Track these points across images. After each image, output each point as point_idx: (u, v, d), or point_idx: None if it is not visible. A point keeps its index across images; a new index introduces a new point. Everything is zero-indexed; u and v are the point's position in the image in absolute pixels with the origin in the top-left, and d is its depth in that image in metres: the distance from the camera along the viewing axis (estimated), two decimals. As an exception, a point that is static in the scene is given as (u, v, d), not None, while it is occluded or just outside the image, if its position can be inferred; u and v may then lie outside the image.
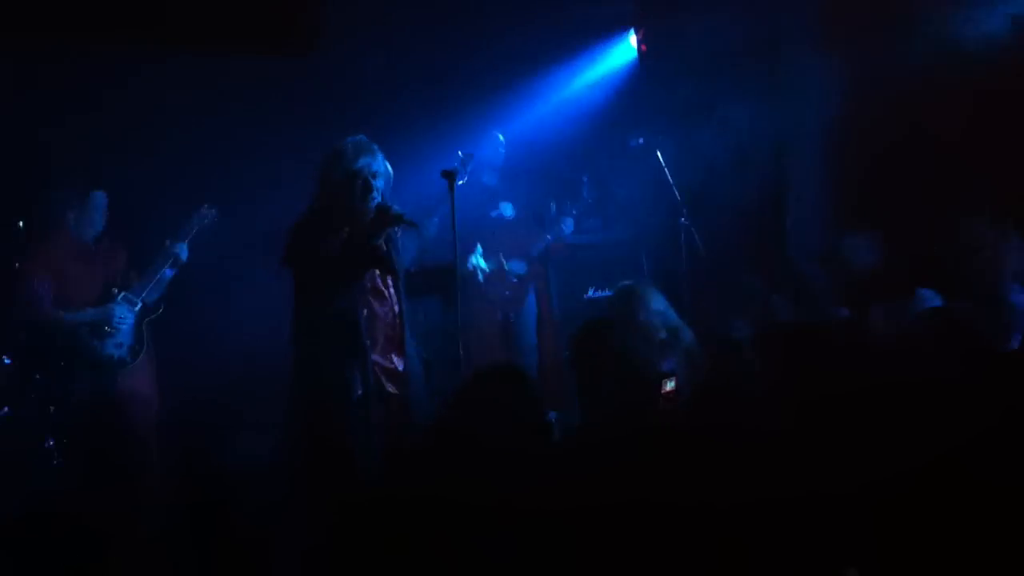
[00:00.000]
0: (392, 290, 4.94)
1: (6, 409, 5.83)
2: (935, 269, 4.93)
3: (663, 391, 4.07)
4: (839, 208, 7.08)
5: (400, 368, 4.92)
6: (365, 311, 4.78)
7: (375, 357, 4.80)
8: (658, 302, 5.06)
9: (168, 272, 6.05)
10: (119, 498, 5.61)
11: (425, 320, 7.01)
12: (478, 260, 6.83)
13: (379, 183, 4.80)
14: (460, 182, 5.42)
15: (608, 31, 7.94)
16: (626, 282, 5.34)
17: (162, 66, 6.35)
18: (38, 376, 5.92)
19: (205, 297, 6.51)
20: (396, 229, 4.90)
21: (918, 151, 6.25)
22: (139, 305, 6.00)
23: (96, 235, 6.05)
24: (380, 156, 4.84)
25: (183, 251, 6.04)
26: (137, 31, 4.55)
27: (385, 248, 4.85)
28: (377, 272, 4.91)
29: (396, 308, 4.93)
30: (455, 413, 4.04)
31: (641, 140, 7.26)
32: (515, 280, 6.95)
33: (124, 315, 5.93)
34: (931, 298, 4.78)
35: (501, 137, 7.11)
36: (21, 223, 6.19)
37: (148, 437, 5.99)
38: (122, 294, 5.97)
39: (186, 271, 6.17)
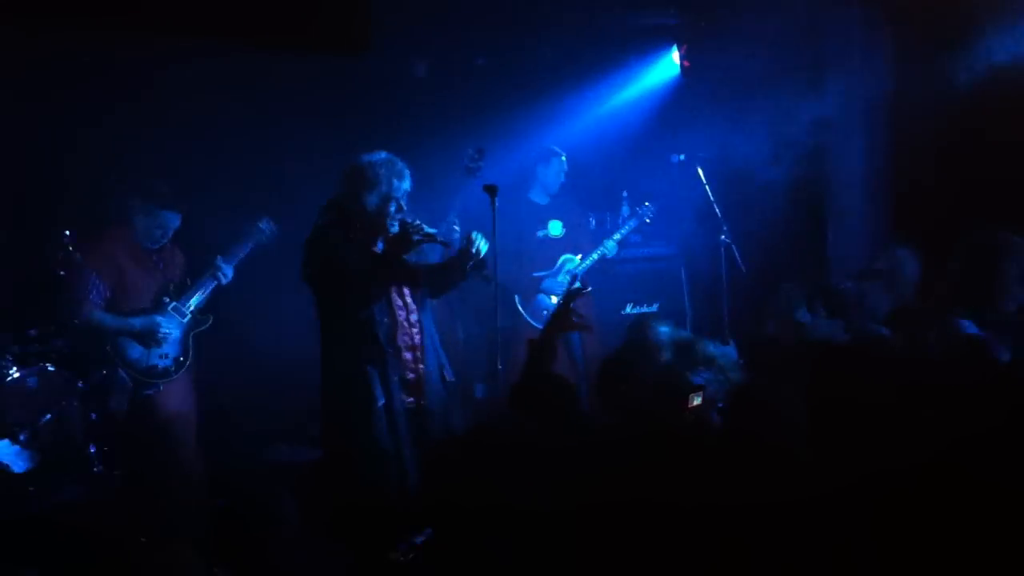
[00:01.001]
0: (410, 299, 5.01)
1: (48, 416, 5.88)
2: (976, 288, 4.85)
3: (690, 405, 4.05)
4: (881, 226, 7.04)
5: (416, 378, 4.96)
6: (387, 320, 4.87)
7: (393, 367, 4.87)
8: (664, 329, 5.07)
9: (211, 284, 6.04)
10: (155, 506, 5.66)
11: (464, 336, 7.05)
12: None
13: (405, 203, 4.93)
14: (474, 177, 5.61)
15: (651, 47, 7.93)
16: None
17: (227, 73, 6.44)
18: (81, 383, 5.97)
19: (250, 306, 6.52)
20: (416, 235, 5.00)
21: (964, 169, 6.19)
22: (188, 317, 5.98)
23: (158, 247, 6.06)
24: (408, 174, 4.95)
25: (228, 271, 6.04)
26: (194, 28, 4.60)
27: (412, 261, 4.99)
28: (404, 286, 5.00)
29: (413, 317, 5.00)
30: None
31: (683, 156, 7.25)
32: (553, 299, 6.92)
33: (171, 327, 5.92)
34: (967, 327, 4.73)
35: (564, 158, 7.05)
36: (67, 232, 6.24)
37: (187, 447, 6.00)
38: (172, 304, 5.96)
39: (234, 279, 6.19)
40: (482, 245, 4.97)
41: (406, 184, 4.93)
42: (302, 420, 6.60)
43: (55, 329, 5.98)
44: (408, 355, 4.95)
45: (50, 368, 5.97)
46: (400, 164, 4.94)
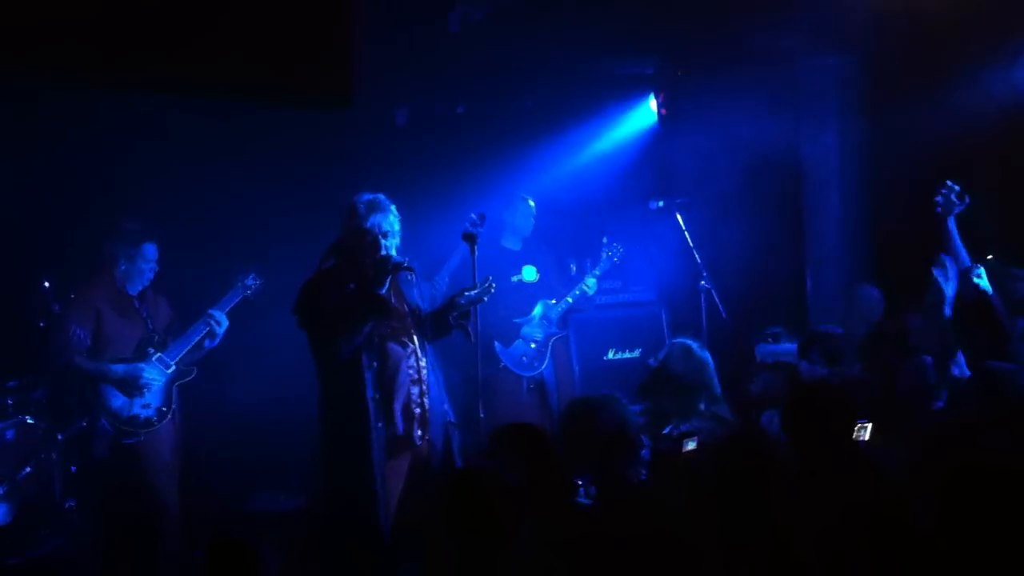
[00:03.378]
0: (415, 336, 5.09)
1: (27, 468, 5.82)
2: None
3: (684, 450, 4.05)
4: (859, 271, 7.10)
5: (421, 413, 5.03)
6: (376, 363, 4.90)
7: (397, 405, 4.93)
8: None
9: (208, 343, 5.90)
10: (135, 558, 5.59)
11: (446, 384, 7.05)
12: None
13: (389, 241, 4.97)
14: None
15: (629, 95, 8.01)
16: (687, 341, 5.37)
17: (207, 123, 6.49)
18: (60, 435, 5.91)
19: (232, 356, 6.48)
20: (411, 278, 5.15)
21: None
22: (172, 368, 5.84)
23: (141, 289, 5.91)
24: (392, 214, 5.02)
25: (223, 322, 5.90)
26: (178, 83, 4.63)
27: (393, 297, 5.01)
28: (405, 320, 5.06)
29: (420, 352, 5.08)
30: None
31: (661, 203, 7.31)
32: (532, 346, 6.94)
33: (154, 376, 5.79)
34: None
35: (532, 203, 7.09)
36: (47, 283, 6.21)
37: (168, 497, 5.88)
38: (157, 355, 5.82)
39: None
40: (475, 293, 5.08)
41: (386, 221, 4.98)
42: (283, 470, 6.58)
43: (35, 380, 5.94)
44: (414, 389, 5.01)
45: (29, 420, 5.92)
46: (383, 202, 5.01)
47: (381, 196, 5.05)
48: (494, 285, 5.23)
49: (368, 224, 4.95)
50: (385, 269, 4.87)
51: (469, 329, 5.17)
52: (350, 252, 4.99)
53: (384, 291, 4.90)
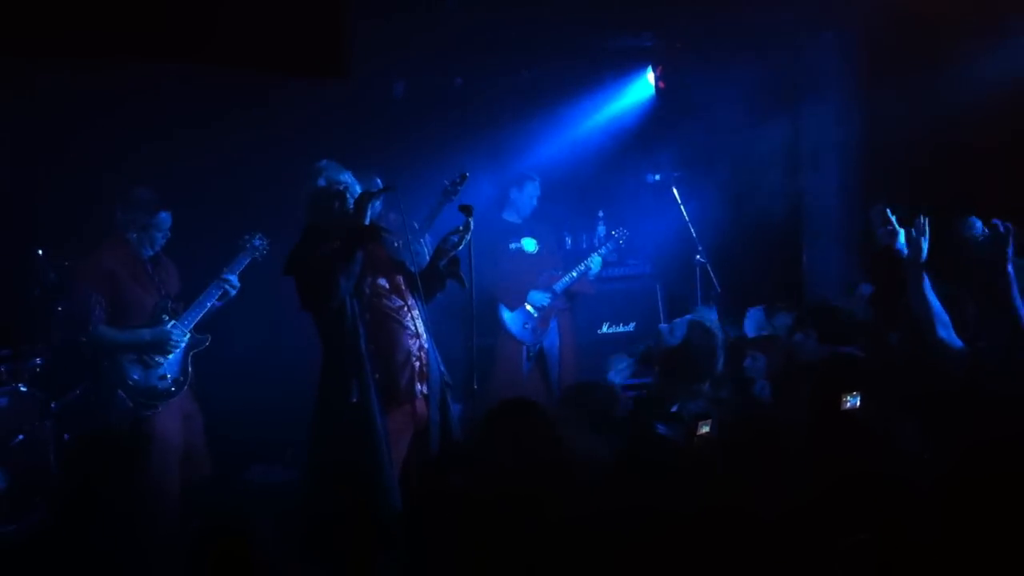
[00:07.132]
0: (407, 292, 5.09)
1: (20, 436, 5.81)
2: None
3: (698, 432, 4.03)
4: (856, 246, 7.10)
5: (421, 366, 5.03)
6: (368, 315, 4.91)
7: (398, 356, 4.93)
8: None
9: (218, 304, 5.78)
10: (139, 533, 5.56)
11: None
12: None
13: (351, 192, 5.00)
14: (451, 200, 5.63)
15: (627, 69, 7.99)
16: (703, 319, 5.34)
17: (208, 94, 6.50)
18: (53, 404, 5.88)
19: (228, 326, 6.44)
20: (397, 244, 5.17)
21: (937, 189, 6.26)
22: (188, 336, 5.72)
23: (152, 255, 5.76)
24: (347, 174, 5.05)
25: (235, 281, 5.79)
26: (180, 51, 4.64)
27: (383, 249, 5.07)
28: (397, 277, 5.07)
29: (414, 308, 5.07)
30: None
31: (658, 176, 7.30)
32: (535, 314, 6.95)
33: (179, 342, 5.68)
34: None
35: (537, 182, 7.09)
36: (40, 251, 6.17)
37: (174, 468, 5.75)
38: (172, 322, 5.67)
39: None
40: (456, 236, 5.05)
41: (340, 176, 5.00)
42: (278, 441, 6.57)
43: (31, 349, 5.91)
44: (413, 343, 5.00)
45: (23, 388, 5.90)
46: (335, 164, 5.05)
47: (333, 162, 5.07)
48: (471, 221, 5.10)
49: (324, 182, 4.97)
50: (366, 199, 4.90)
51: (461, 275, 5.14)
52: (324, 212, 4.97)
53: (368, 222, 4.91)
